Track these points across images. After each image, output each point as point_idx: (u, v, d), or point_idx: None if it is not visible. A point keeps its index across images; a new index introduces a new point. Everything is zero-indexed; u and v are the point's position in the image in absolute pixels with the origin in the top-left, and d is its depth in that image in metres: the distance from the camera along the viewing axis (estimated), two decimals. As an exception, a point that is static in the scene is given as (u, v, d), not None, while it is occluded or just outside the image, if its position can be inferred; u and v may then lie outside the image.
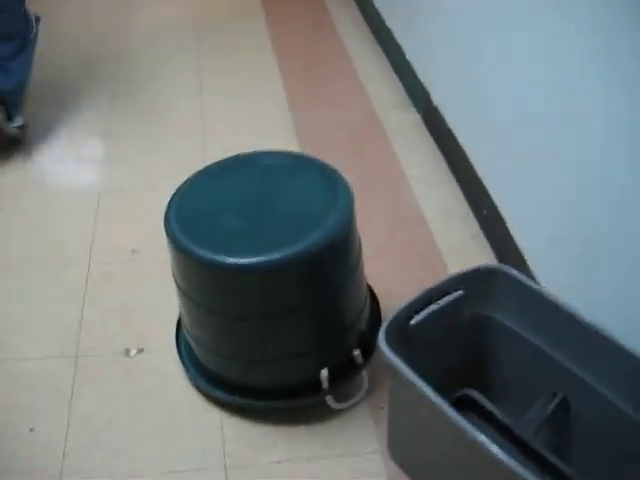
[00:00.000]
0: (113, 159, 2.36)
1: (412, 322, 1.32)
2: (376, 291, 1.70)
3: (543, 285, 1.55)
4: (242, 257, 1.33)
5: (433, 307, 1.35)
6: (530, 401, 1.36)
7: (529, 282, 1.38)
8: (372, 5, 3.02)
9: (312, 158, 1.58)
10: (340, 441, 1.49)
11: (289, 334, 1.44)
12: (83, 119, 2.57)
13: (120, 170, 2.31)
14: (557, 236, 1.62)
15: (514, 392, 1.44)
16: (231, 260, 1.33)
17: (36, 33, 2.42)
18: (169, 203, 1.47)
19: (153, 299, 1.80)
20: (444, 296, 1.37)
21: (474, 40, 2.02)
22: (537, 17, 1.64)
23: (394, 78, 2.73)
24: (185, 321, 1.57)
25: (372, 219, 2.01)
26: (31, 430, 1.51)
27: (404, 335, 1.32)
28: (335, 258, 1.41)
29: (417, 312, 1.34)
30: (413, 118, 2.51)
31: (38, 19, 2.43)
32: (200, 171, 1.56)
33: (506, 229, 1.86)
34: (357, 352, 1.51)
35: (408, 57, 2.60)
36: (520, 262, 1.75)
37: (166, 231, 1.41)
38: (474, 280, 1.39)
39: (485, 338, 1.45)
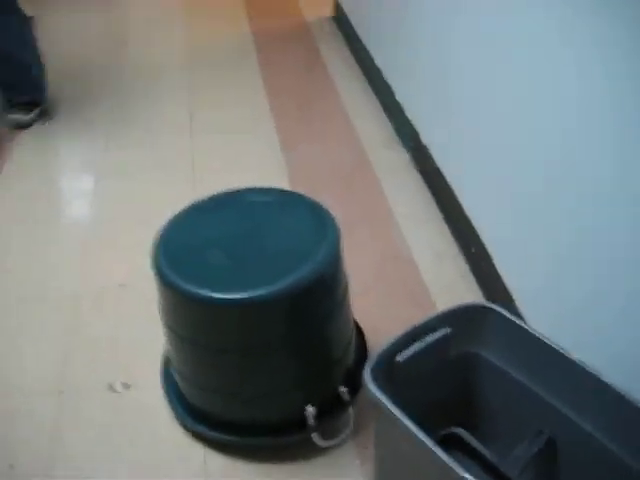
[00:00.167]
0: (103, 192, 2.37)
1: (398, 359, 1.32)
2: (363, 327, 1.70)
3: (530, 324, 1.55)
4: (228, 292, 1.33)
5: (419, 344, 1.34)
6: (517, 439, 1.35)
7: (516, 320, 1.38)
8: (363, 46, 3.07)
9: (299, 195, 1.59)
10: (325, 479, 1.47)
11: (271, 370, 1.43)
12: (75, 151, 2.59)
13: (109, 203, 2.32)
14: (545, 275, 1.63)
15: (501, 430, 1.43)
16: (216, 295, 1.33)
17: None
18: (157, 238, 1.47)
19: (140, 334, 1.79)
20: (431, 333, 1.36)
21: (461, 80, 2.05)
22: (521, 59, 1.66)
23: (384, 117, 2.76)
24: (171, 356, 1.56)
25: (360, 256, 2.01)
26: (11, 466, 1.48)
27: (390, 372, 1.31)
28: (322, 293, 1.41)
29: (403, 349, 1.33)
30: (402, 157, 2.53)
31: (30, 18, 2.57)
32: (188, 207, 1.56)
33: (494, 268, 1.87)
34: (343, 389, 1.50)
35: (397, 97, 2.64)
36: (508, 301, 1.75)
37: (153, 265, 1.41)
38: (461, 317, 1.39)
39: (472, 375, 1.44)
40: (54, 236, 2.16)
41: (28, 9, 2.66)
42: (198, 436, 1.53)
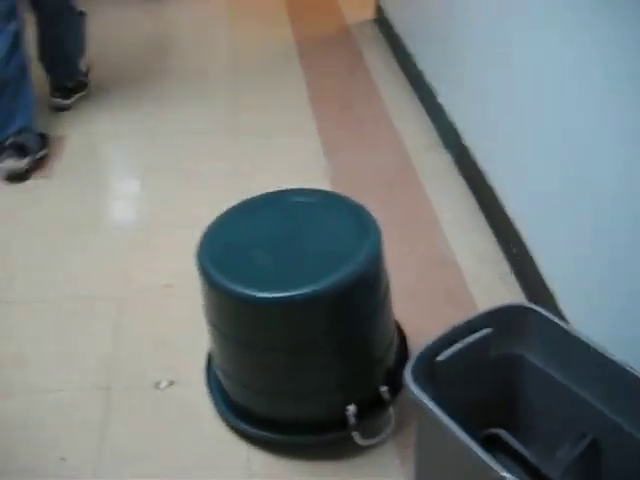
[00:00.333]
0: (148, 193, 2.42)
1: (439, 359, 1.32)
2: (405, 329, 1.71)
3: (574, 326, 1.54)
4: (271, 292, 1.36)
5: (460, 344, 1.35)
6: (559, 441, 1.34)
7: (558, 321, 1.37)
8: (405, 48, 3.08)
9: (342, 196, 1.61)
10: (365, 479, 1.48)
11: (316, 368, 1.45)
12: (120, 156, 2.66)
13: (154, 204, 2.37)
14: (591, 277, 1.61)
15: (542, 432, 1.42)
16: (260, 294, 1.35)
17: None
18: (201, 238, 1.50)
19: (184, 333, 1.82)
20: (472, 333, 1.37)
21: (507, 81, 2.04)
22: (570, 61, 1.65)
23: (426, 120, 2.76)
24: (215, 354, 1.59)
25: (402, 259, 2.02)
26: (62, 459, 1.53)
27: (431, 372, 1.31)
28: (364, 293, 1.43)
29: (444, 349, 1.34)
30: (445, 160, 2.53)
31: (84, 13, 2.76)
32: (232, 207, 1.60)
33: (537, 270, 1.86)
34: (384, 388, 1.51)
35: (440, 99, 2.63)
36: (551, 303, 1.74)
37: (198, 265, 1.45)
38: (502, 318, 1.39)
39: (514, 377, 1.44)
40: (100, 237, 2.22)
41: (80, 3, 2.80)
42: (241, 433, 1.56)
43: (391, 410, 1.54)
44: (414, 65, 2.94)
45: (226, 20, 3.78)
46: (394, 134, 2.71)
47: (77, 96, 2.91)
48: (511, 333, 1.40)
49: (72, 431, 1.60)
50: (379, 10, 3.54)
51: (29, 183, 2.44)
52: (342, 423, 1.48)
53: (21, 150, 2.41)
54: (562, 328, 1.36)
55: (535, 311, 1.39)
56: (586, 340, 1.31)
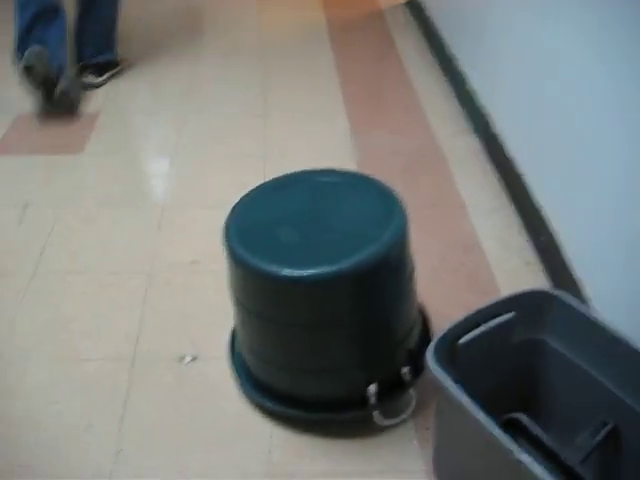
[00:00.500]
0: (177, 176, 2.44)
1: (461, 342, 1.33)
2: (428, 312, 1.71)
3: (599, 313, 1.53)
4: (295, 269, 1.36)
5: (482, 328, 1.35)
6: (579, 428, 1.34)
7: (582, 308, 1.37)
8: (436, 33, 3.06)
9: (369, 177, 1.61)
10: (383, 458, 1.50)
11: (338, 347, 1.46)
12: (151, 135, 2.69)
13: (184, 187, 2.39)
14: (618, 266, 1.60)
15: (563, 418, 1.42)
16: (284, 271, 1.36)
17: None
18: (228, 216, 1.52)
19: (209, 309, 1.85)
20: (494, 317, 1.37)
21: (542, 69, 2.02)
22: (614, 49, 1.62)
23: (456, 105, 2.75)
24: (239, 330, 1.61)
25: (428, 242, 2.02)
26: (87, 427, 1.56)
27: (452, 355, 1.32)
28: (387, 274, 1.43)
29: (466, 332, 1.34)
30: (473, 145, 2.52)
31: None
32: (259, 186, 1.61)
33: (562, 258, 1.85)
34: (406, 369, 1.52)
35: (471, 84, 2.62)
36: (576, 290, 1.73)
37: (224, 241, 1.46)
38: (525, 303, 1.39)
39: (535, 362, 1.44)
40: (130, 212, 2.25)
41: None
42: (263, 409, 1.58)
43: (412, 391, 1.55)
44: (446, 50, 2.92)
45: (258, 1, 3.78)
46: (423, 118, 2.69)
47: (109, 73, 2.95)
48: (534, 318, 1.40)
49: (97, 400, 1.63)
50: (412, -6, 3.52)
51: (64, 157, 2.49)
52: (363, 402, 1.49)
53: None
54: (586, 315, 1.35)
55: (559, 297, 1.39)
56: (610, 328, 1.31)
